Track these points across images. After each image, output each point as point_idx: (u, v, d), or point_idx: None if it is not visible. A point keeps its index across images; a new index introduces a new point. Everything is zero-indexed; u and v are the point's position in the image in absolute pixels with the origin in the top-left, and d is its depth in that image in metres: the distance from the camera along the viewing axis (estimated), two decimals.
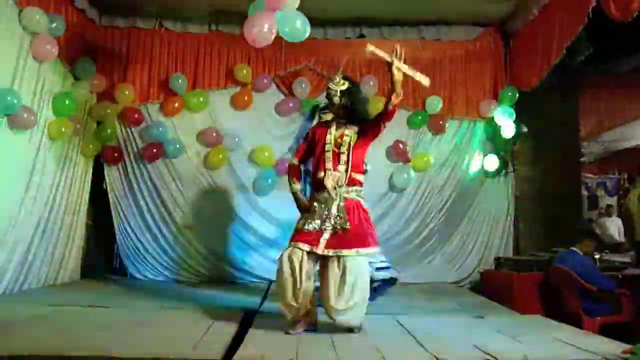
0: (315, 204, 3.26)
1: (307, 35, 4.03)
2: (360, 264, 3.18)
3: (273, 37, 3.90)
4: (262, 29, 3.84)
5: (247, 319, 3.54)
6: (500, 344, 2.97)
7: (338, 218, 3.18)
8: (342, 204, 3.21)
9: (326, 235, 3.17)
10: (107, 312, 3.73)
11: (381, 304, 4.18)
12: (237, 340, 2.93)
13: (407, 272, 5.64)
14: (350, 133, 3.34)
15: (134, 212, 5.78)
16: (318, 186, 3.29)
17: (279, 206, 5.61)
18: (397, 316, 3.70)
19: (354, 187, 3.30)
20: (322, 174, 3.27)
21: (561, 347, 2.89)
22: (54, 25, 4.64)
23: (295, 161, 3.52)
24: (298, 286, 3.08)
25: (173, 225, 5.77)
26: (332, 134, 3.35)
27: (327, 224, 3.18)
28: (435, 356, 2.64)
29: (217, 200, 5.84)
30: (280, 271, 3.14)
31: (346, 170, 3.26)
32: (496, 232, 6.03)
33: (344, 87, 3.32)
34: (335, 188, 3.23)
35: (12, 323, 3.16)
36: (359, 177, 3.33)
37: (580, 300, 4.18)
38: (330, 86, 3.37)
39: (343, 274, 3.12)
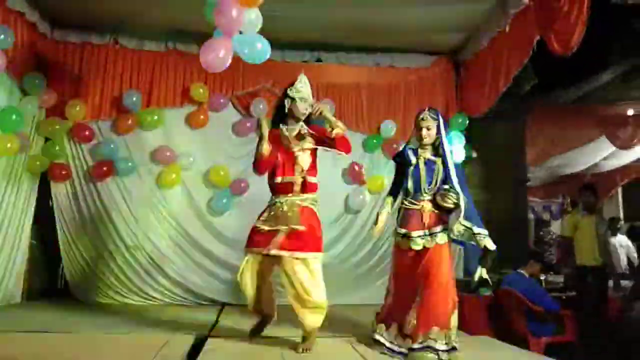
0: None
1: (267, 56, 4.05)
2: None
3: (228, 63, 3.88)
4: (218, 55, 3.81)
5: (198, 342, 3.45)
6: None
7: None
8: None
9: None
10: (50, 337, 3.54)
11: (333, 328, 4.16)
12: None
13: (360, 293, 5.67)
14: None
15: (82, 232, 5.54)
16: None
17: (233, 227, 5.56)
18: (350, 338, 3.68)
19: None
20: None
21: None
22: (1, 37, 4.46)
23: None
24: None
25: (123, 247, 5.56)
26: None
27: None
28: None
29: (169, 220, 5.70)
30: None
31: None
32: None
33: None
34: None
35: None
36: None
37: (527, 321, 4.32)
38: None
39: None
